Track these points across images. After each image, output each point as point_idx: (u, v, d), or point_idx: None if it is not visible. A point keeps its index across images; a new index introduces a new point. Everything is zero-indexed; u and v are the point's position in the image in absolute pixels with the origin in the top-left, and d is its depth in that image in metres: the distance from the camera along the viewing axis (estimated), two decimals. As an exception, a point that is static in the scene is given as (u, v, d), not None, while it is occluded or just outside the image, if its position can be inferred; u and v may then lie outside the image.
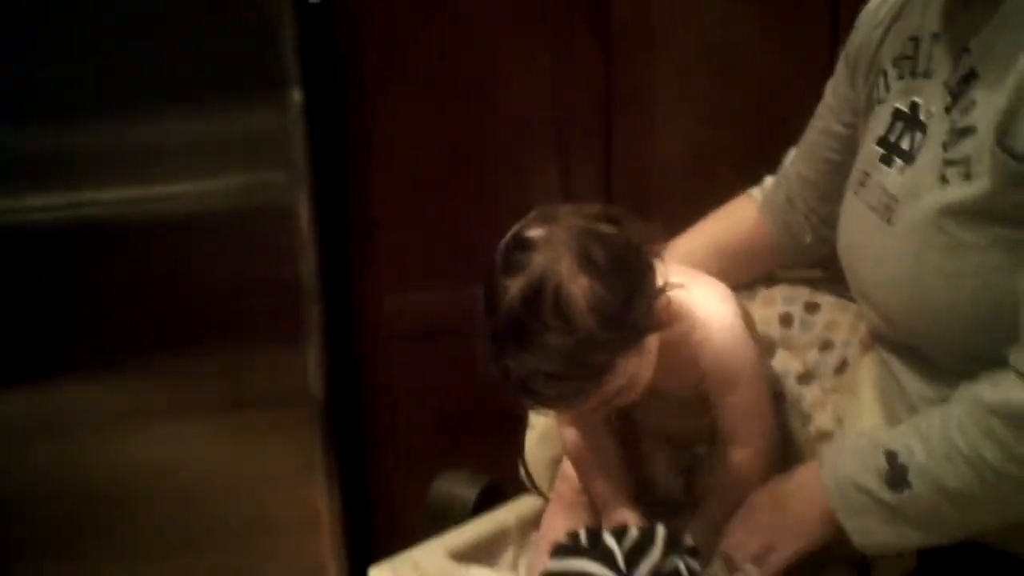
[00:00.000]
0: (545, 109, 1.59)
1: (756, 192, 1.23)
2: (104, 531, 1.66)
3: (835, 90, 1.10)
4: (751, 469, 1.02)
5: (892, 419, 1.01)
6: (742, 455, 1.03)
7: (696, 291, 1.00)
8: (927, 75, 0.93)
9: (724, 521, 1.00)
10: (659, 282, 0.92)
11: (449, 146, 1.61)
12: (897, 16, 1.01)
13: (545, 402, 0.93)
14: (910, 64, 0.96)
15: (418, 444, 1.74)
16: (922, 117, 0.92)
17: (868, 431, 0.98)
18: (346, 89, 1.60)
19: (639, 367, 0.92)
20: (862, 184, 1.00)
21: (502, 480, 1.25)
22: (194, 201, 1.56)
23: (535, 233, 0.89)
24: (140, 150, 1.53)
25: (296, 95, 1.51)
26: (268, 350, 1.61)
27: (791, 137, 1.18)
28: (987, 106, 0.83)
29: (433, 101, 1.59)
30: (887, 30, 1.02)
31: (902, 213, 0.92)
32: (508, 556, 1.17)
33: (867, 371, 1.08)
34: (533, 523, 1.20)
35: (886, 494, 0.88)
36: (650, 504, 1.12)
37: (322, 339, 1.59)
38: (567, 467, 1.15)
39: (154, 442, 1.63)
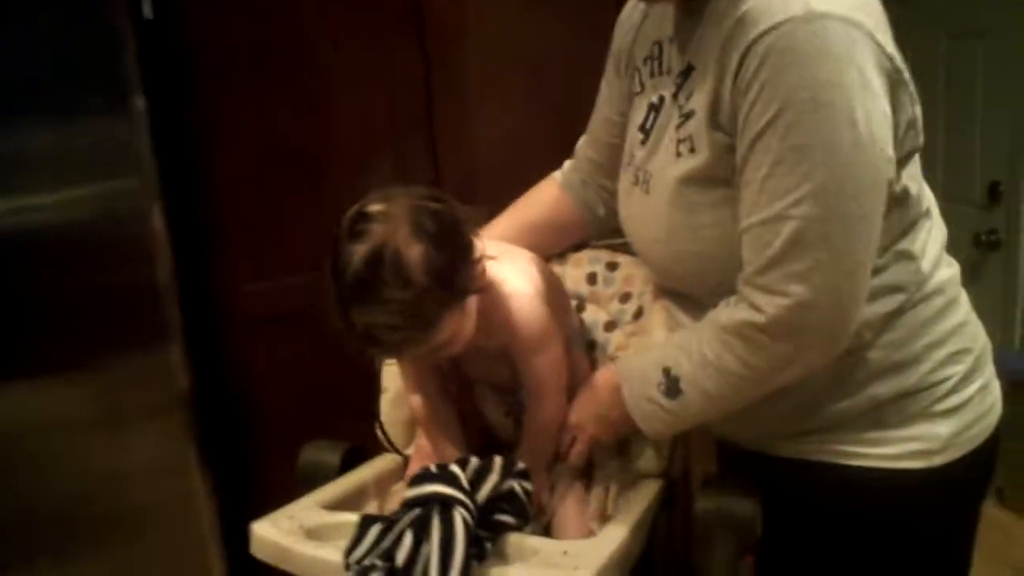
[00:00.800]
0: (375, 106, 1.67)
1: (557, 175, 1.40)
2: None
3: (608, 85, 1.28)
4: (552, 418, 1.20)
5: None
6: (544, 407, 1.19)
7: (505, 265, 1.15)
8: (668, 72, 1.11)
9: (534, 463, 1.14)
10: (477, 253, 1.07)
11: (288, 142, 1.69)
12: (643, 22, 1.20)
13: (385, 350, 1.10)
14: (656, 64, 1.14)
15: (284, 420, 1.81)
16: (663, 106, 1.11)
17: (650, 349, 1.17)
18: (187, 96, 1.65)
19: (462, 324, 1.06)
20: (628, 164, 1.19)
21: (363, 444, 1.34)
22: (51, 212, 1.61)
23: (374, 208, 1.01)
24: None
25: (140, 102, 1.58)
26: (134, 350, 1.67)
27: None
28: (700, 93, 1.01)
29: (269, 102, 1.67)
30: (637, 32, 1.20)
31: (654, 184, 1.11)
32: (372, 507, 1.26)
33: (658, 315, 1.26)
34: (391, 477, 1.31)
35: (666, 402, 1.07)
36: (489, 444, 1.27)
37: (183, 335, 1.66)
38: None
39: (35, 448, 1.68)
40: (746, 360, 1.00)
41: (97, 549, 1.73)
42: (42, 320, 1.64)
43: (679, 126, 1.06)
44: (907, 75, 0.98)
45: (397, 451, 1.35)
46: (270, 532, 1.08)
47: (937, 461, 1.10)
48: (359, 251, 0.98)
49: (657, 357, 1.10)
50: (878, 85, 0.93)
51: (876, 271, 1.01)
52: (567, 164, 1.40)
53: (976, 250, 2.56)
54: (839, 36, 0.90)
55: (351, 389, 1.46)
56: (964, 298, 1.15)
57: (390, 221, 0.99)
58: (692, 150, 1.03)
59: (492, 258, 1.10)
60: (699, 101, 1.02)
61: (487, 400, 1.30)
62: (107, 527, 1.73)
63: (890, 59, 0.95)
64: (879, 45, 0.93)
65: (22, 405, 1.67)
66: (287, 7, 1.67)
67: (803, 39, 0.89)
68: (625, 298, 1.35)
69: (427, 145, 1.70)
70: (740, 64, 0.93)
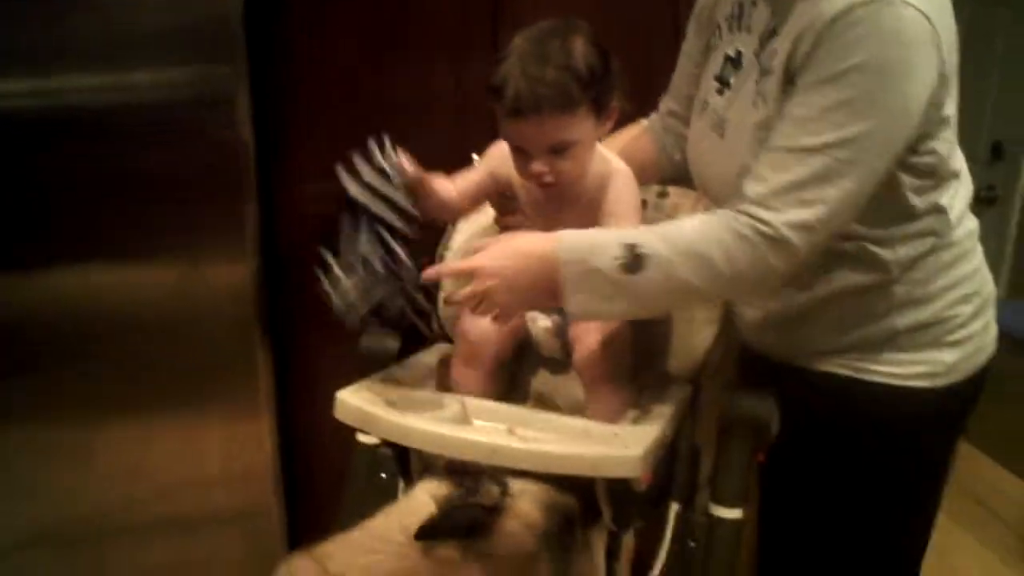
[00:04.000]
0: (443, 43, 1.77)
1: (644, 121, 1.54)
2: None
3: (688, 41, 1.42)
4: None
5: None
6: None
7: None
8: (748, 30, 1.24)
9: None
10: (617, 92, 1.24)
11: (367, 86, 1.78)
12: None
13: (526, 110, 1.17)
14: (736, 21, 1.27)
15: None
16: (743, 61, 1.24)
17: (605, 230, 1.22)
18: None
19: (585, 143, 1.23)
20: (703, 110, 1.32)
21: (417, 333, 1.41)
22: (149, 91, 1.73)
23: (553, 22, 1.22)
24: (106, 41, 1.68)
25: None
26: (212, 228, 1.81)
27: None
28: (782, 53, 1.14)
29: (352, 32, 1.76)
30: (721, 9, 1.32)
31: (730, 129, 1.25)
32: (430, 388, 1.39)
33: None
34: (447, 363, 1.42)
35: (618, 275, 1.10)
36: (537, 362, 1.41)
37: (258, 223, 1.79)
38: None
39: (117, 306, 1.81)
40: (734, 259, 1.09)
41: (161, 403, 1.88)
42: (128, 195, 1.75)
43: (758, 80, 1.19)
44: (952, 73, 1.14)
45: (451, 341, 1.47)
46: (355, 399, 1.20)
47: (940, 383, 1.27)
48: (544, 26, 1.21)
49: (617, 235, 1.15)
50: (928, 74, 1.08)
51: (912, 218, 1.19)
52: (652, 115, 1.54)
53: (976, 204, 2.71)
54: (914, 24, 1.04)
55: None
56: (979, 249, 1.31)
57: (568, 24, 1.22)
58: (765, 102, 1.17)
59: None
60: (779, 60, 1.15)
61: (537, 321, 1.38)
62: (168, 383, 1.88)
63: (942, 56, 1.09)
64: (939, 48, 1.07)
65: (106, 275, 1.80)
66: None
67: (886, 18, 1.04)
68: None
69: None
70: (829, 24, 1.06)
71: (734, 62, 1.27)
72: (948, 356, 1.27)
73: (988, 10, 2.66)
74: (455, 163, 1.78)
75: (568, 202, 1.30)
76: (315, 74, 1.80)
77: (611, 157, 1.33)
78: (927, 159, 1.17)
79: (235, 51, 1.69)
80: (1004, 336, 1.36)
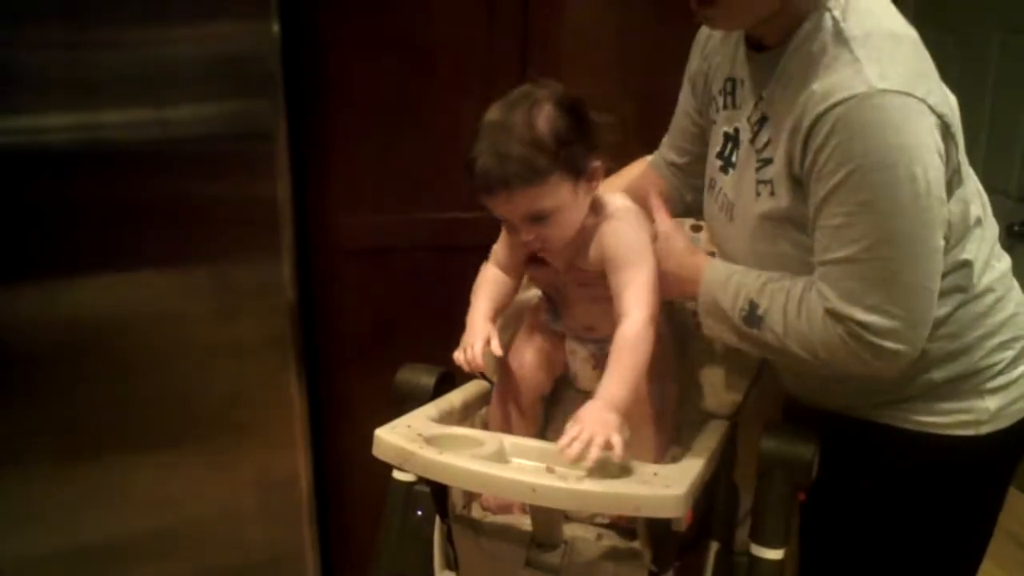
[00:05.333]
0: (473, 55, 1.78)
1: (648, 158, 1.54)
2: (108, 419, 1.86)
3: (684, 99, 1.44)
4: (637, 335, 1.18)
5: None
6: (631, 322, 1.19)
7: (616, 194, 1.30)
8: (741, 108, 1.24)
9: (615, 385, 1.15)
10: (598, 150, 1.22)
11: (393, 86, 1.79)
12: (718, 48, 1.32)
13: (495, 190, 1.17)
14: (730, 98, 1.28)
15: (366, 345, 1.94)
16: (741, 139, 1.24)
17: (742, 272, 1.21)
18: (317, 26, 1.76)
19: (569, 205, 1.20)
20: (711, 188, 1.33)
21: (452, 369, 1.41)
22: (189, 126, 1.76)
23: (526, 86, 1.21)
24: (145, 76, 1.71)
25: (275, 28, 1.73)
26: (249, 258, 1.82)
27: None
28: (777, 146, 1.15)
29: (380, 44, 1.78)
30: (712, 61, 1.33)
31: (737, 215, 1.25)
32: (475, 421, 1.41)
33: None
34: (478, 402, 1.44)
35: (739, 323, 1.19)
36: (573, 400, 1.39)
37: (295, 251, 1.80)
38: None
39: (152, 340, 1.83)
40: (829, 347, 1.12)
41: (190, 437, 1.90)
42: (169, 220, 1.78)
43: (758, 169, 1.20)
44: (955, 127, 1.12)
45: (484, 378, 1.48)
46: (393, 437, 1.19)
47: (984, 430, 1.25)
48: (513, 95, 1.20)
49: (748, 286, 1.19)
50: (931, 142, 1.06)
51: (944, 273, 1.15)
52: (656, 154, 1.54)
53: (1008, 239, 2.68)
54: (897, 108, 1.04)
55: (433, 323, 1.61)
56: (1015, 291, 1.29)
57: (537, 89, 1.20)
58: (772, 194, 1.17)
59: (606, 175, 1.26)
60: (776, 152, 1.15)
61: (576, 353, 1.39)
62: (203, 416, 1.89)
63: (940, 117, 1.08)
64: (931, 108, 1.06)
65: (141, 294, 1.82)
66: None
67: (867, 112, 1.03)
68: (696, 228, 1.46)
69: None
70: (810, 132, 1.07)
71: (733, 140, 1.28)
72: (991, 403, 1.25)
73: (1019, 40, 2.64)
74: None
75: (573, 253, 1.28)
76: (351, 106, 1.81)
77: (608, 202, 1.29)
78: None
79: (272, 85, 1.72)
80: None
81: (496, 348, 1.25)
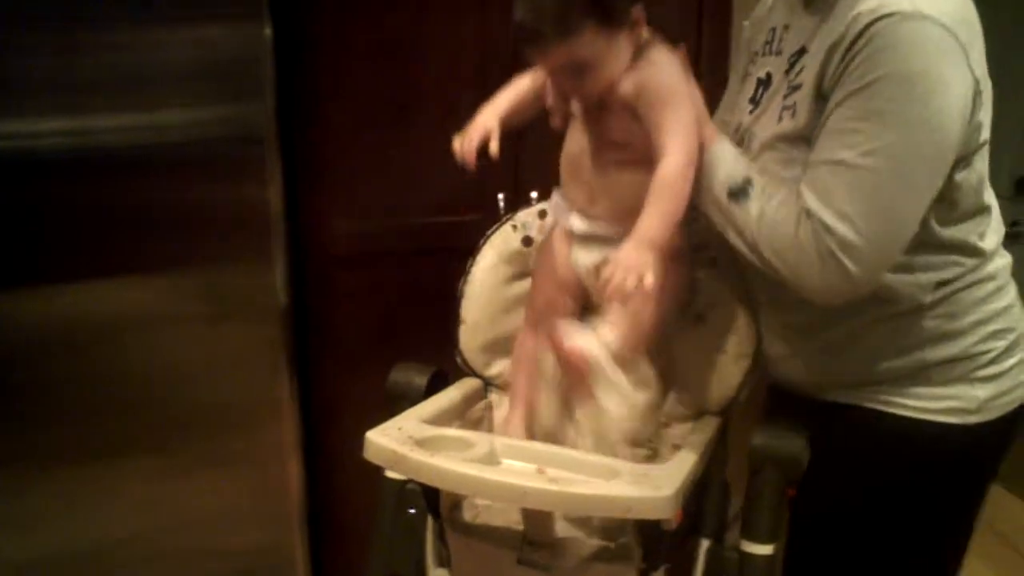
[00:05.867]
0: (464, 63, 1.78)
1: None
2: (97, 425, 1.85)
3: (730, 90, 1.48)
4: (676, 175, 1.17)
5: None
6: (670, 161, 1.17)
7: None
8: (779, 53, 1.27)
9: (646, 225, 1.14)
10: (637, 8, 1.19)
11: (384, 92, 1.79)
12: (767, 14, 1.36)
13: (532, 45, 1.18)
14: (769, 46, 1.30)
15: (359, 350, 1.94)
16: (773, 80, 1.26)
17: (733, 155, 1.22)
18: (309, 29, 1.75)
19: (606, 54, 1.18)
20: (736, 132, 1.34)
21: (444, 368, 1.46)
22: (179, 132, 1.75)
23: None
24: (136, 80, 1.70)
25: (268, 31, 1.72)
26: (241, 262, 1.81)
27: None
28: (811, 68, 1.16)
29: (370, 51, 1.77)
30: (761, 23, 1.37)
31: (754, 143, 1.27)
32: (455, 426, 1.36)
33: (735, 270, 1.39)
34: (472, 400, 1.45)
35: (722, 192, 1.20)
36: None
37: (287, 256, 1.80)
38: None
39: (144, 344, 1.82)
40: (795, 245, 1.13)
41: (183, 438, 1.89)
42: (162, 225, 1.77)
43: (786, 95, 1.21)
44: (985, 90, 1.14)
45: (476, 374, 1.50)
46: (384, 439, 1.19)
47: (972, 420, 1.26)
48: None
49: (751, 167, 1.21)
50: (958, 87, 1.08)
51: (934, 248, 1.20)
52: None
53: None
54: (935, 37, 1.06)
55: (424, 328, 1.62)
56: (1013, 286, 1.30)
57: None
58: (793, 115, 1.18)
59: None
60: (808, 75, 1.17)
61: (580, 259, 1.35)
62: (194, 421, 1.88)
63: (972, 71, 1.09)
64: (967, 57, 1.08)
65: (134, 299, 1.81)
66: None
67: (908, 31, 1.05)
68: (701, 247, 1.43)
69: None
70: (851, 44, 1.08)
71: (764, 84, 1.29)
72: (980, 392, 1.25)
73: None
74: (473, 203, 1.81)
75: (608, 109, 1.25)
76: (343, 111, 1.81)
77: (651, 46, 1.24)
78: (952, 192, 1.17)
79: (264, 89, 1.71)
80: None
81: (494, 148, 1.26)
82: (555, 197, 1.38)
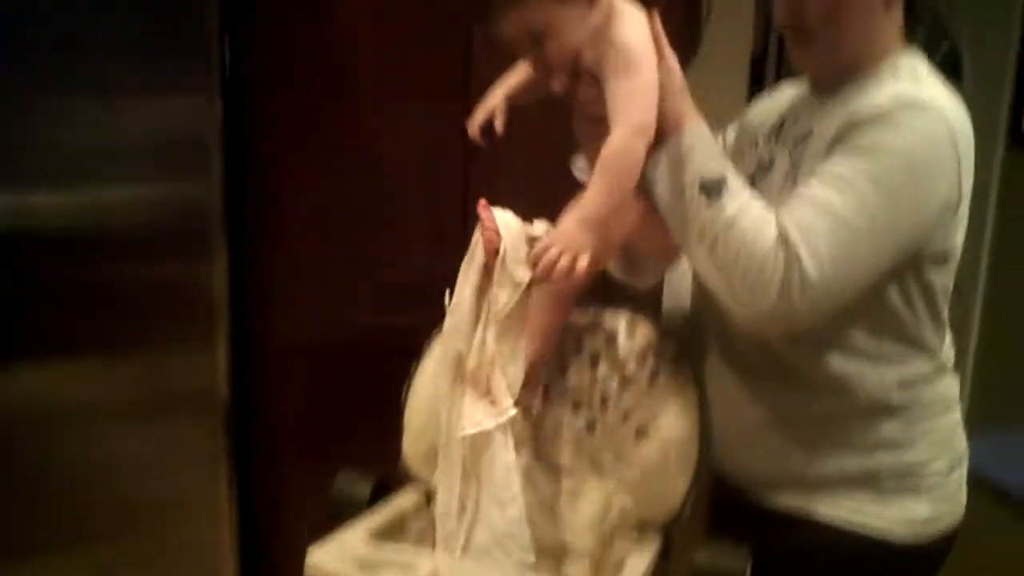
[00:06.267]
0: (415, 170, 1.81)
1: None
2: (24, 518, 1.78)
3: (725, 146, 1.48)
4: (620, 148, 1.14)
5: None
6: (613, 137, 1.14)
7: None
8: (784, 140, 1.32)
9: (595, 197, 1.13)
10: None
11: (339, 200, 1.81)
12: (773, 103, 1.42)
13: (487, 10, 1.17)
14: (776, 133, 1.35)
15: (303, 447, 1.91)
16: (775, 164, 1.31)
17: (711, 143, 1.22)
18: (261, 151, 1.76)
19: (563, 19, 1.15)
20: None
21: (388, 475, 1.45)
22: (122, 211, 1.73)
23: None
24: (81, 157, 1.69)
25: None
26: (182, 348, 1.79)
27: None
28: (815, 148, 1.22)
29: (327, 165, 1.78)
30: (764, 109, 1.43)
31: None
32: (411, 532, 1.39)
33: (676, 379, 1.40)
34: (419, 508, 1.43)
35: (693, 187, 1.18)
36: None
37: (230, 343, 1.76)
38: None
39: (77, 434, 1.77)
40: (756, 259, 1.13)
41: (114, 534, 1.84)
42: (101, 308, 1.74)
43: (788, 171, 1.26)
44: (963, 205, 1.22)
45: (423, 481, 1.46)
46: (327, 559, 1.18)
47: (912, 537, 1.28)
48: None
49: (731, 167, 1.21)
50: (944, 187, 1.17)
51: (912, 341, 1.24)
52: None
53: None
54: (942, 137, 1.14)
55: (370, 428, 1.59)
56: (959, 407, 1.34)
57: None
58: (794, 184, 1.22)
59: None
60: (813, 151, 1.22)
61: None
62: (128, 513, 1.84)
63: (959, 179, 1.18)
64: (959, 165, 1.17)
65: (69, 386, 1.78)
66: (346, 75, 1.77)
67: (921, 121, 1.14)
68: (642, 358, 1.45)
69: (461, 212, 1.82)
70: (869, 119, 1.15)
71: (765, 167, 1.34)
72: (924, 508, 1.29)
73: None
74: (420, 300, 1.81)
75: (580, 81, 1.23)
76: (292, 207, 1.80)
77: (616, 20, 1.20)
78: (925, 291, 1.23)
79: (211, 170, 1.69)
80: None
81: (499, 125, 1.26)
82: (579, 160, 1.36)
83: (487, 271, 1.19)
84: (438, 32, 1.76)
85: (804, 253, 1.10)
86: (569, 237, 1.11)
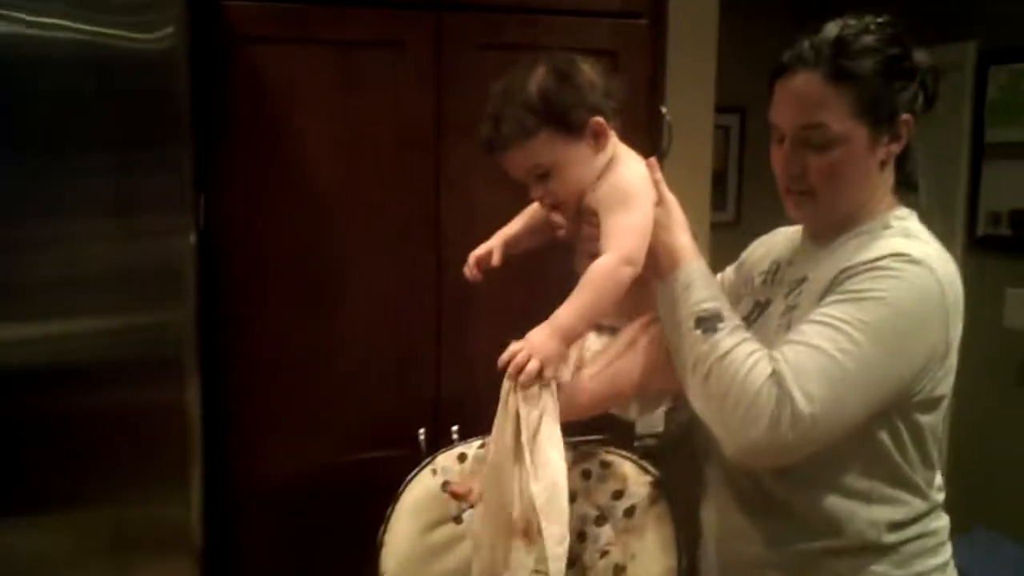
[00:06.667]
0: (384, 313, 1.82)
1: None
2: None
3: (723, 279, 1.54)
4: (605, 272, 1.22)
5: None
6: (603, 258, 1.23)
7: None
8: (781, 284, 1.36)
9: (571, 311, 1.21)
10: (596, 104, 1.28)
11: (307, 344, 1.80)
12: (772, 246, 1.48)
13: (496, 145, 1.28)
14: (771, 277, 1.40)
15: None
16: (771, 306, 1.35)
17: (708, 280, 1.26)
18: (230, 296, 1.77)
19: (567, 159, 1.27)
20: None
21: None
22: (90, 346, 1.66)
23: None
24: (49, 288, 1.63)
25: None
26: (153, 495, 1.70)
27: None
28: (809, 294, 1.26)
29: (294, 307, 1.80)
30: (764, 252, 1.48)
31: None
32: None
33: (653, 522, 1.42)
34: None
35: (690, 319, 1.22)
36: None
37: (202, 493, 1.72)
38: None
39: None
40: (748, 394, 1.15)
41: None
42: (66, 453, 1.66)
43: (783, 313, 1.30)
44: (951, 357, 1.24)
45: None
46: None
47: None
48: (520, 64, 1.30)
49: (727, 303, 1.25)
50: (932, 337, 1.19)
51: (903, 483, 1.25)
52: None
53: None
54: (932, 290, 1.18)
55: (345, 567, 1.58)
56: (950, 546, 1.33)
57: (545, 55, 1.30)
58: (788, 329, 1.25)
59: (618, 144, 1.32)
60: (807, 297, 1.26)
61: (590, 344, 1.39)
62: None
63: (947, 332, 1.21)
64: (947, 319, 1.20)
65: (29, 538, 1.67)
66: (315, 218, 1.79)
67: (911, 273, 1.17)
68: (617, 495, 1.48)
69: (433, 356, 1.85)
70: (863, 268, 1.19)
71: (762, 307, 1.37)
72: None
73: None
74: (394, 440, 1.81)
75: (583, 219, 1.32)
76: (263, 348, 1.79)
77: (619, 164, 1.31)
78: (916, 434, 1.24)
79: (184, 301, 1.66)
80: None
81: (495, 260, 1.38)
82: None
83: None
84: (410, 179, 1.81)
85: (796, 391, 1.13)
86: (540, 344, 1.19)
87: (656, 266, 1.28)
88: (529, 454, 1.17)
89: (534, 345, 1.18)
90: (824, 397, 1.13)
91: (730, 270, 1.57)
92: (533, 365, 1.17)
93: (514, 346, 1.19)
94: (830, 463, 1.22)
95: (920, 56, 1.26)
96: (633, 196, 1.27)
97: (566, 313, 1.21)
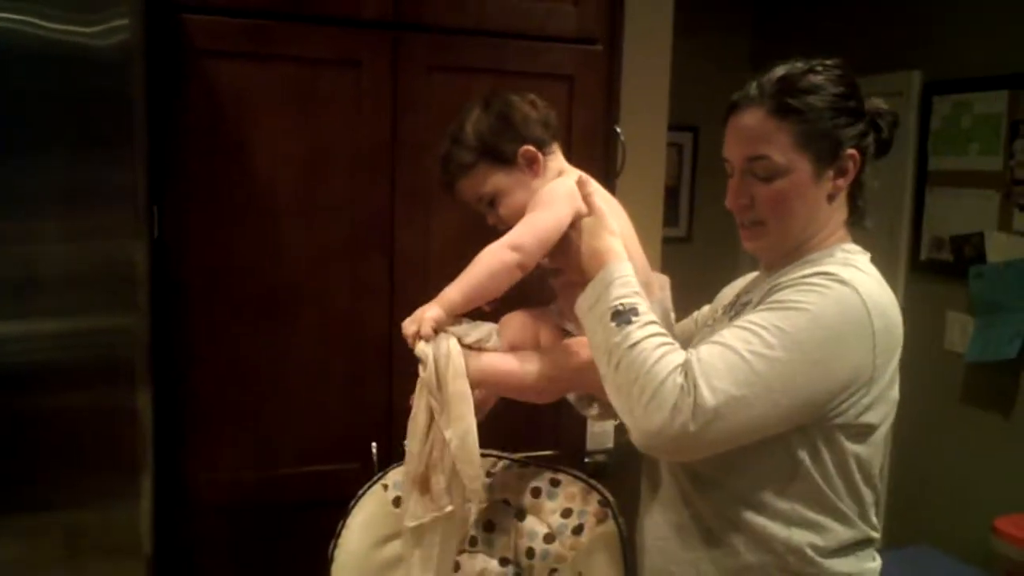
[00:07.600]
0: (340, 327, 1.82)
1: None
2: None
3: (699, 317, 1.62)
4: (490, 252, 1.37)
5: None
6: (499, 241, 1.37)
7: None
8: (729, 315, 1.40)
9: (455, 286, 1.35)
10: (535, 137, 1.47)
11: (261, 355, 1.79)
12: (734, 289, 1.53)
13: (446, 181, 1.51)
14: (731, 309, 1.42)
15: None
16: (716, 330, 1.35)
17: (628, 281, 1.30)
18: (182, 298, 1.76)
19: (509, 187, 1.46)
20: None
21: None
22: (41, 348, 1.64)
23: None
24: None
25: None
26: (103, 508, 1.69)
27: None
28: (745, 312, 1.28)
29: (248, 318, 1.78)
30: (727, 294, 1.54)
31: None
32: None
33: (601, 535, 1.45)
34: None
35: (607, 313, 1.26)
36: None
37: (153, 500, 1.70)
38: None
39: None
40: (654, 383, 1.19)
41: None
42: (18, 454, 1.63)
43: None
44: (891, 400, 1.28)
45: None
46: None
47: None
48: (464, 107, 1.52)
49: (644, 302, 1.28)
50: (854, 358, 1.21)
51: (826, 509, 1.27)
52: None
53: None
54: (856, 312, 1.21)
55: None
56: None
57: (484, 96, 1.52)
58: None
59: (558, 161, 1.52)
60: (742, 313, 1.29)
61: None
62: None
63: (873, 360, 1.22)
64: (874, 346, 1.22)
65: None
66: (270, 231, 1.79)
67: (837, 293, 1.21)
68: (566, 513, 1.51)
69: (386, 370, 1.85)
70: (777, 287, 1.25)
71: (711, 330, 1.41)
72: None
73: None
74: (346, 453, 1.81)
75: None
76: (215, 359, 1.78)
77: (566, 174, 1.49)
78: (838, 461, 1.26)
79: (137, 305, 1.64)
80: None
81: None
82: (591, 408, 1.50)
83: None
84: (365, 196, 1.81)
85: (701, 382, 1.16)
86: (424, 310, 1.34)
87: (586, 270, 1.34)
88: (439, 404, 1.31)
89: (417, 314, 1.34)
90: (729, 393, 1.16)
91: (706, 308, 1.63)
92: (427, 315, 1.32)
93: (406, 320, 1.34)
94: (746, 477, 1.26)
95: (875, 101, 1.34)
96: (545, 202, 1.41)
97: (450, 289, 1.35)
